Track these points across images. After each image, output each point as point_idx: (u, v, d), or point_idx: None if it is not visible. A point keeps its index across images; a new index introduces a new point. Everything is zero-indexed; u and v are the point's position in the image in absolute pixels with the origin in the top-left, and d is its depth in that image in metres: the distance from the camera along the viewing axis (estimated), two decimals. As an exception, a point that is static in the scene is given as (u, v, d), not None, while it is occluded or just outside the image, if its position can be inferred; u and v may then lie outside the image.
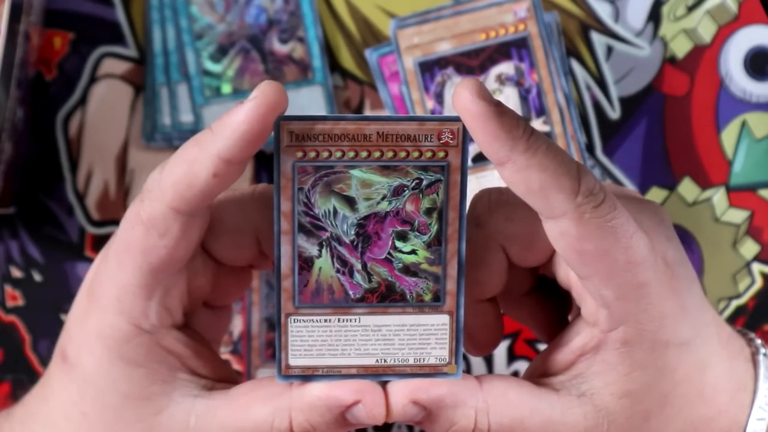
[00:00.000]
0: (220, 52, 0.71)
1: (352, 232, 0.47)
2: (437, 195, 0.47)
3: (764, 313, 0.72)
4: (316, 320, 0.48)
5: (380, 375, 0.49)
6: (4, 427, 0.54)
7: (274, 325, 0.48)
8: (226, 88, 0.70)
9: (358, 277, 0.48)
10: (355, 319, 0.49)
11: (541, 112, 0.68)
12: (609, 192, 0.47)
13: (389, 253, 0.48)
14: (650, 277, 0.48)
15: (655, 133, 0.71)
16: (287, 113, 0.46)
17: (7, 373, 0.70)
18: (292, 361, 0.49)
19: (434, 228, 0.48)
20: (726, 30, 0.72)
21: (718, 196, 0.71)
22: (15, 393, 0.69)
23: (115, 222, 0.70)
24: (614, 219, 0.46)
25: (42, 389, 0.53)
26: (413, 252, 0.48)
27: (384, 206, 0.47)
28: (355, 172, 0.47)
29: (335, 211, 0.47)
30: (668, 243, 0.50)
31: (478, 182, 0.67)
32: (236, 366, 0.70)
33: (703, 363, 0.50)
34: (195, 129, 0.69)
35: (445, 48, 0.68)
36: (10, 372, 0.70)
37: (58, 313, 0.70)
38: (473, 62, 0.68)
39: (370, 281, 0.48)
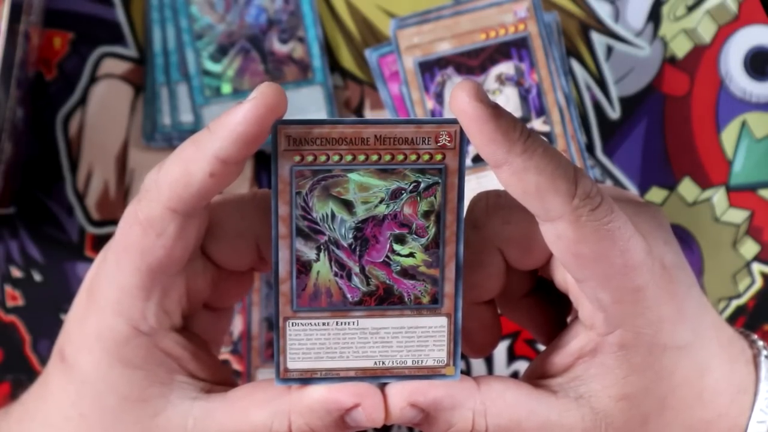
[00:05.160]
0: (220, 52, 0.71)
1: (350, 236, 0.47)
2: (435, 198, 0.47)
3: (764, 313, 0.72)
4: (315, 324, 0.48)
5: (379, 377, 0.49)
6: (2, 426, 0.54)
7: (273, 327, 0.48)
8: (226, 88, 0.70)
9: (356, 280, 0.48)
10: (354, 322, 0.49)
11: (541, 112, 0.68)
12: (606, 195, 0.47)
13: (387, 257, 0.48)
14: (647, 280, 0.48)
15: (655, 133, 0.71)
16: (286, 115, 0.46)
17: (7, 373, 0.70)
18: (291, 365, 0.49)
19: (432, 231, 0.48)
20: (726, 30, 0.72)
21: (718, 196, 0.71)
22: (15, 393, 0.69)
23: (115, 222, 0.69)
24: (611, 222, 0.46)
25: (40, 389, 0.53)
26: (411, 255, 0.48)
27: (382, 209, 0.47)
28: (352, 176, 0.47)
29: (333, 215, 0.47)
30: (666, 246, 0.50)
31: (478, 182, 0.67)
32: (236, 366, 0.70)
33: (702, 366, 0.50)
34: (195, 129, 0.69)
35: (445, 48, 0.68)
36: (10, 372, 0.70)
37: (58, 313, 0.70)
38: (473, 62, 0.68)
39: (368, 284, 0.48)
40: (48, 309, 0.70)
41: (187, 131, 0.70)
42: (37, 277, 0.70)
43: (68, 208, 0.71)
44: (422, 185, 0.47)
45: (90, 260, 0.70)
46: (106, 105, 0.71)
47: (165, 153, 0.68)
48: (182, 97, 0.70)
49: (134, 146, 0.71)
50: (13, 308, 0.70)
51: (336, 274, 0.48)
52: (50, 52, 0.71)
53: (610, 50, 0.72)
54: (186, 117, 0.70)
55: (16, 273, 0.70)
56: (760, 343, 0.54)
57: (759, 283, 0.71)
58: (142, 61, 0.71)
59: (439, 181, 0.47)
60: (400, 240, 0.48)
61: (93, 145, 0.71)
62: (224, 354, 0.70)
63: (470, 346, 0.54)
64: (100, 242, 0.70)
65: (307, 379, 0.49)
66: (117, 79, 0.71)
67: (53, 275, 0.70)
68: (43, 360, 0.70)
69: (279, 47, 0.71)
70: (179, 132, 0.70)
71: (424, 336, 0.49)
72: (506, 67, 0.69)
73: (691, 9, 0.72)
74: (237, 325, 0.70)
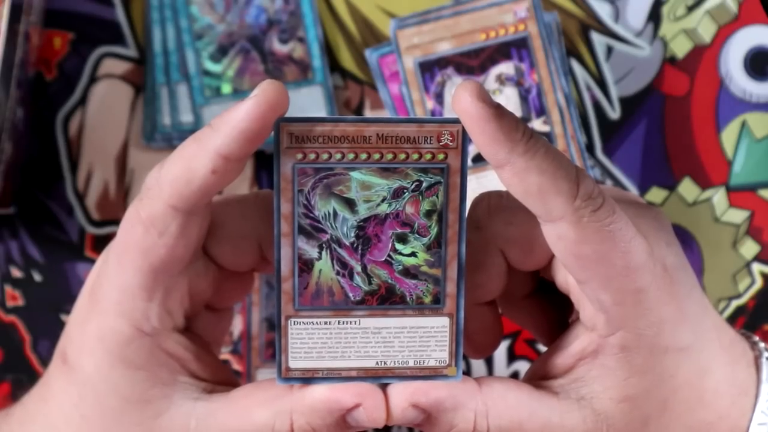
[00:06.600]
0: (220, 52, 0.71)
1: (352, 235, 0.47)
2: (437, 197, 0.47)
3: (764, 313, 0.72)
4: (316, 322, 0.48)
5: (380, 377, 0.49)
6: (3, 428, 0.54)
7: (275, 326, 0.48)
8: (226, 88, 0.70)
9: (358, 279, 0.48)
10: (355, 322, 0.49)
11: (541, 112, 0.68)
12: (608, 196, 0.47)
13: (389, 256, 0.48)
14: (648, 282, 0.48)
15: (655, 133, 0.71)
16: (287, 114, 0.46)
17: (7, 373, 0.70)
18: (292, 364, 0.49)
19: (434, 230, 0.48)
20: (726, 30, 0.72)
21: (718, 196, 0.71)
22: (15, 393, 0.69)
23: (115, 222, 0.70)
24: (612, 223, 0.46)
25: (41, 390, 0.53)
26: (413, 254, 0.48)
27: (384, 208, 0.47)
28: (354, 174, 0.47)
29: (335, 213, 0.47)
30: (668, 248, 0.50)
31: (478, 182, 0.67)
32: (236, 366, 0.70)
33: (703, 368, 0.50)
34: (195, 129, 0.69)
35: (445, 48, 0.68)
36: (10, 372, 0.70)
37: (58, 313, 0.70)
38: (473, 62, 0.68)
39: (370, 283, 0.48)
40: (48, 309, 0.70)
41: (187, 131, 0.70)
42: (37, 277, 0.70)
43: (68, 208, 0.71)
44: (424, 184, 0.47)
45: (90, 260, 0.70)
46: (106, 105, 0.71)
47: (165, 153, 0.68)
48: (182, 97, 0.70)
49: (134, 146, 0.71)
50: (13, 308, 0.70)
51: (338, 273, 0.48)
52: (50, 52, 0.71)
53: (610, 50, 0.72)
54: (186, 117, 0.70)
55: (16, 273, 0.70)
56: (762, 345, 0.53)
57: (759, 283, 0.71)
58: (142, 61, 0.71)
59: (441, 180, 0.47)
60: (402, 239, 0.48)
61: (93, 145, 0.71)
62: (224, 354, 0.69)
63: (471, 346, 0.54)
64: (100, 242, 0.70)
65: (308, 378, 0.49)
66: (117, 79, 0.71)
67: (53, 275, 0.70)
68: (43, 360, 0.70)
69: (279, 47, 0.71)
70: (179, 132, 0.70)
71: (426, 336, 0.49)
72: (506, 67, 0.69)
73: (691, 9, 0.72)
74: (237, 325, 0.70)
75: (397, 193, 0.47)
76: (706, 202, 0.71)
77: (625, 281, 0.47)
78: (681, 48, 0.72)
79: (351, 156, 0.46)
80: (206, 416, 0.49)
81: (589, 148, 0.71)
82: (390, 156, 0.46)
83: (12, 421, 0.53)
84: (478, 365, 0.71)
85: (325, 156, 0.46)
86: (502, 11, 0.68)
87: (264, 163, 0.71)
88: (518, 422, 0.49)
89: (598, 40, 0.72)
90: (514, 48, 0.68)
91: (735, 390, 0.51)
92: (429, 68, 0.69)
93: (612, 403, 0.49)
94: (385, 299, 0.48)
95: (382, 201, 0.47)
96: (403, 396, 0.49)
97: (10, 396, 0.70)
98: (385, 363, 0.49)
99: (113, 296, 0.49)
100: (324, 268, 0.48)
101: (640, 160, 0.72)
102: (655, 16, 0.72)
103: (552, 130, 0.68)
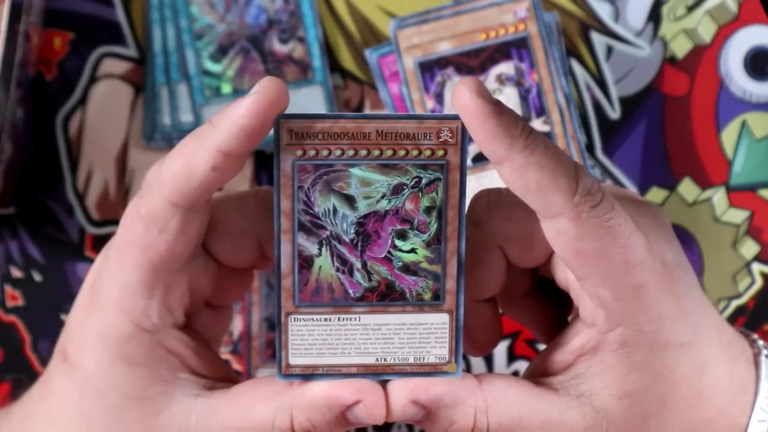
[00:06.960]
0: (220, 52, 0.71)
1: (352, 231, 0.47)
2: (436, 193, 0.47)
3: (764, 313, 0.72)
4: (316, 319, 0.48)
5: (380, 374, 0.49)
6: (3, 426, 0.54)
7: (275, 324, 0.48)
8: (226, 88, 0.70)
9: (357, 275, 0.48)
10: (355, 318, 0.49)
11: (541, 112, 0.68)
12: (607, 192, 0.47)
13: (389, 252, 0.48)
14: (648, 278, 0.48)
15: (655, 133, 0.71)
16: (287, 112, 0.46)
17: (7, 373, 0.70)
18: (293, 360, 0.49)
19: (434, 227, 0.48)
20: (726, 30, 0.72)
21: (718, 196, 0.71)
22: (15, 393, 0.69)
23: (115, 222, 0.70)
24: (612, 219, 0.46)
25: (42, 388, 0.53)
26: (413, 251, 0.48)
27: (383, 205, 0.47)
28: (354, 171, 0.47)
29: (335, 210, 0.47)
30: (667, 245, 0.50)
31: (477, 182, 0.67)
32: (236, 366, 0.70)
33: (702, 365, 0.50)
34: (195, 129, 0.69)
35: (445, 48, 0.68)
36: (10, 372, 0.70)
37: (58, 313, 0.70)
38: (473, 62, 0.68)
39: (369, 280, 0.48)
40: (48, 309, 0.70)
41: (187, 131, 0.69)
42: (37, 277, 0.70)
43: (68, 208, 0.71)
44: (424, 181, 0.47)
45: (90, 260, 0.70)
46: (106, 105, 0.71)
47: (165, 153, 0.67)
48: (182, 97, 0.70)
49: (134, 146, 0.71)
50: (13, 308, 0.70)
51: (338, 270, 0.48)
52: (50, 52, 0.71)
53: (610, 50, 0.72)
54: (186, 117, 0.70)
55: (16, 273, 0.70)
56: (761, 342, 0.53)
57: (759, 283, 0.71)
58: (142, 61, 0.71)
59: (441, 177, 0.47)
60: (402, 235, 0.48)
61: (93, 145, 0.71)
62: (224, 354, 0.69)
63: (471, 344, 0.54)
64: (100, 242, 0.70)
65: (308, 375, 0.49)
66: (117, 79, 0.71)
67: (53, 275, 0.70)
68: (43, 360, 0.70)
69: (279, 47, 0.71)
70: (179, 132, 0.70)
71: (426, 333, 0.49)
72: (506, 67, 0.69)
73: (691, 9, 0.72)
74: (237, 325, 0.70)
75: (397, 190, 0.47)
76: (706, 202, 0.71)
77: (625, 277, 0.47)
78: (681, 48, 0.72)
79: (351, 152, 0.46)
80: (207, 413, 0.49)
81: (589, 148, 0.71)
82: (390, 152, 0.46)
83: (12, 419, 0.53)
84: (477, 365, 0.71)
85: (325, 152, 0.46)
86: (502, 11, 0.68)
87: (264, 163, 0.71)
88: (518, 419, 0.49)
89: (598, 40, 0.72)
90: (514, 48, 0.68)
91: (734, 387, 0.51)
92: (429, 68, 0.69)
93: (612, 399, 0.49)
94: (385, 296, 0.48)
95: (382, 197, 0.47)
96: (403, 393, 0.49)
97: (10, 396, 0.70)
98: (385, 359, 0.49)
99: (113, 293, 0.49)
100: (324, 264, 0.48)
101: (640, 160, 0.72)
102: (655, 16, 0.72)
103: (552, 130, 0.68)
